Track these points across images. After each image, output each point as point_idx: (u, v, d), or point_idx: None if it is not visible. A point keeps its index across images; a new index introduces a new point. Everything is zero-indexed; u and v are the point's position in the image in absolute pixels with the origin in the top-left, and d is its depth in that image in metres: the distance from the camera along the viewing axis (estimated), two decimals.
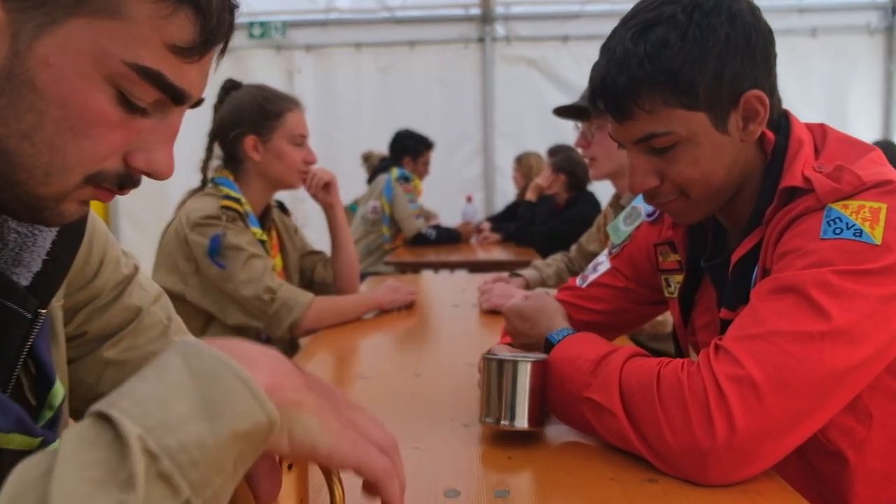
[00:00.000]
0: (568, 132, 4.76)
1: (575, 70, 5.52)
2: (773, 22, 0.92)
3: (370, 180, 4.25)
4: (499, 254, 3.63)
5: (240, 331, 1.64)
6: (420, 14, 5.60)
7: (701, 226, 1.04)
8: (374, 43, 5.59)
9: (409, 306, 1.85)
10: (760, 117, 0.90)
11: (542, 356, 0.92)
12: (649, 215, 1.15)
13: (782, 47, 0.92)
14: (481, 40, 5.58)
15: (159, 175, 0.56)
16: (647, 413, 0.79)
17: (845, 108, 5.33)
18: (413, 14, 5.59)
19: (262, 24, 5.53)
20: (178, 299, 1.63)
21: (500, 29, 5.61)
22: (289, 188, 1.80)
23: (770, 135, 0.92)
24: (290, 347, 1.82)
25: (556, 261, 2.14)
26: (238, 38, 4.71)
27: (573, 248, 2.18)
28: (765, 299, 0.81)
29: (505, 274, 2.06)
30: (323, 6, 5.57)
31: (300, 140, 1.75)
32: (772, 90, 0.91)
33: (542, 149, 4.49)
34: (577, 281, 1.24)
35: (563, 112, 1.87)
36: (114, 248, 0.77)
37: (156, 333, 0.79)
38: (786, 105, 0.96)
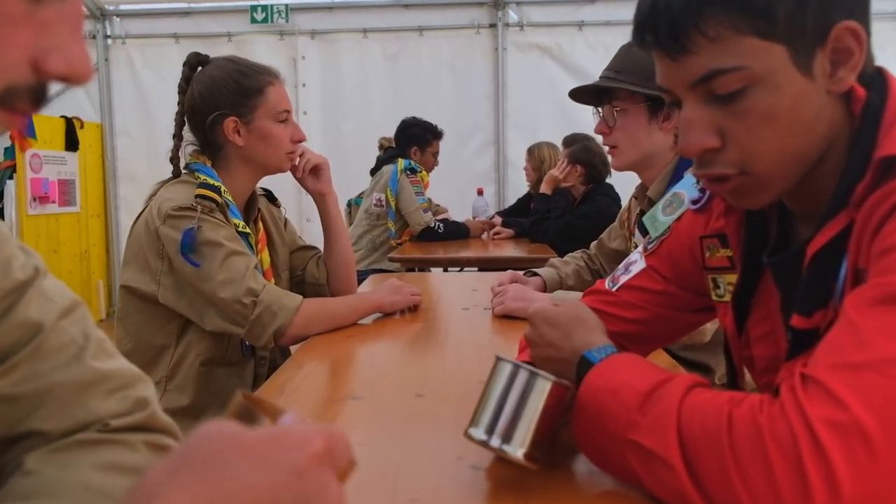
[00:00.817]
0: (584, 123, 4.57)
1: (591, 58, 5.31)
2: None
3: (374, 171, 4.05)
4: (511, 250, 3.42)
5: (219, 337, 1.45)
6: None
7: (762, 212, 0.84)
8: (382, 28, 5.42)
9: (413, 309, 1.66)
10: (854, 60, 0.70)
11: (568, 383, 0.73)
12: (694, 202, 0.95)
13: None
14: (493, 26, 5.40)
15: (81, 76, 0.44)
16: (714, 468, 0.60)
17: None
18: None
19: (264, 7, 5.36)
20: (150, 301, 1.44)
21: (512, 14, 5.42)
22: (277, 171, 1.59)
23: (860, 90, 0.71)
24: (280, 355, 1.63)
25: (574, 259, 1.94)
26: (239, 23, 4.57)
27: (593, 245, 1.97)
28: (867, 313, 0.61)
29: (520, 273, 1.86)
30: None
31: (285, 116, 1.55)
32: (867, 31, 0.71)
33: (556, 140, 4.28)
34: (606, 283, 1.04)
35: (579, 94, 1.65)
36: (3, 245, 0.57)
37: (66, 357, 0.59)
38: None
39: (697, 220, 0.94)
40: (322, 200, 1.69)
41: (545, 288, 1.78)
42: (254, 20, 5.39)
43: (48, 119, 5.12)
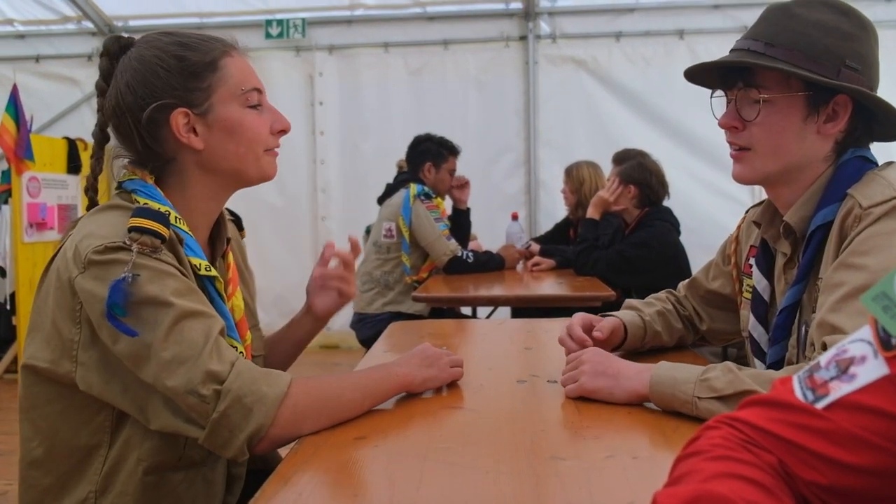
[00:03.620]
0: (625, 141, 4.11)
1: (629, 71, 4.96)
2: None
3: (381, 200, 3.57)
4: (552, 286, 2.92)
5: (170, 439, 1.01)
6: (455, 10, 5.10)
7: None
8: (404, 42, 5.11)
9: (449, 385, 1.20)
10: None
11: None
12: None
13: None
14: (523, 38, 5.08)
15: None
16: None
17: None
18: (447, 10, 5.09)
19: (279, 22, 5.07)
20: (65, 385, 0.99)
21: (544, 25, 5.11)
22: (260, 179, 1.12)
23: None
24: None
25: (659, 300, 1.46)
26: (254, 39, 4.19)
27: (683, 285, 1.49)
28: None
29: (589, 314, 1.37)
30: (347, 2, 5.07)
31: (256, 97, 1.08)
32: None
33: (592, 160, 3.83)
34: (798, 390, 0.59)
35: (701, 74, 1.16)
36: None
37: None
38: None
39: None
40: (323, 324, 1.35)
41: (625, 335, 1.33)
42: (269, 35, 5.08)
43: (49, 140, 4.80)
